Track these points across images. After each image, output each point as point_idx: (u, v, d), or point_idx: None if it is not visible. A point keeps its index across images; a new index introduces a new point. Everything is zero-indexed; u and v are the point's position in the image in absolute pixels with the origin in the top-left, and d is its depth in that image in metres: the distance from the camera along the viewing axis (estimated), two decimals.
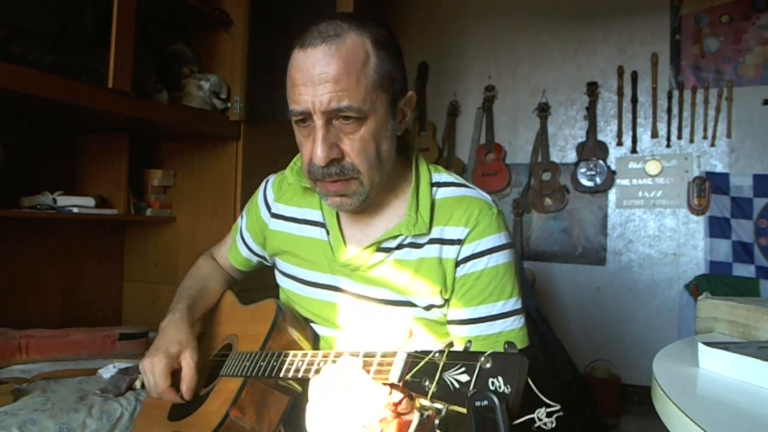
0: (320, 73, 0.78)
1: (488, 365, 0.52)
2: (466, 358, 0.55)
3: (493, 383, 0.51)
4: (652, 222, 3.09)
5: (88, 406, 1.24)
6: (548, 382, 2.26)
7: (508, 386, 0.50)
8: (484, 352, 0.53)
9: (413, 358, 0.60)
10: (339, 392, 0.62)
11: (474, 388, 0.52)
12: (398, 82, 0.86)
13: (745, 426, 0.63)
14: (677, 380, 0.78)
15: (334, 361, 0.70)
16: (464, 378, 0.53)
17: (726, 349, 0.81)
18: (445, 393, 0.54)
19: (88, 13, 1.50)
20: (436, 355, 0.57)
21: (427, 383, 0.56)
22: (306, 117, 0.81)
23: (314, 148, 0.80)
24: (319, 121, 0.80)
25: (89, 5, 1.51)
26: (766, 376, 0.73)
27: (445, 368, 0.55)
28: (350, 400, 0.61)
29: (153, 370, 0.91)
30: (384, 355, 0.64)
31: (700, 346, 0.83)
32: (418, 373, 0.58)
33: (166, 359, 0.91)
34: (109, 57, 1.48)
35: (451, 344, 0.61)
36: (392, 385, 0.61)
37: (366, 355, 0.66)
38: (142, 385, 1.36)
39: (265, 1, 2.06)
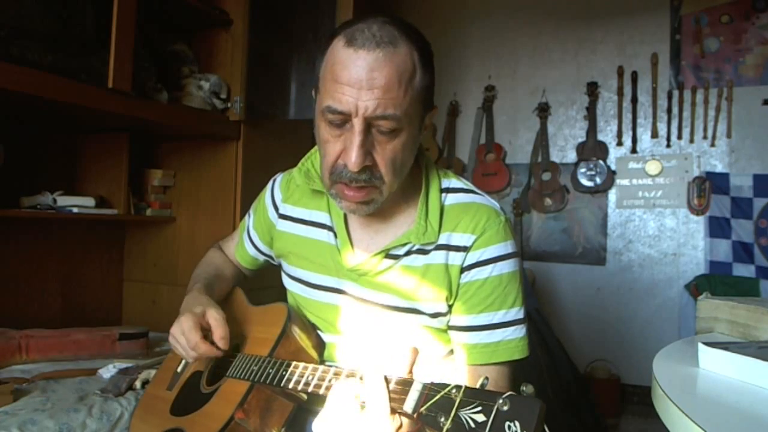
0: (372, 78, 0.76)
1: (506, 407, 0.51)
2: (483, 397, 0.54)
3: (509, 427, 0.50)
4: (652, 222, 3.09)
5: (88, 406, 1.24)
6: (548, 383, 2.26)
7: None
8: (502, 393, 0.53)
9: (429, 390, 0.59)
10: (360, 412, 0.62)
11: (490, 430, 0.51)
12: (431, 96, 0.86)
13: (745, 426, 0.63)
14: (677, 380, 0.78)
15: (352, 375, 0.70)
16: (480, 418, 0.53)
17: (726, 349, 0.81)
18: (459, 431, 0.54)
19: (88, 13, 1.50)
20: (453, 390, 0.56)
21: (442, 419, 0.55)
22: (343, 119, 0.79)
23: (349, 153, 0.78)
24: (359, 126, 0.78)
25: (89, 5, 1.50)
26: (766, 376, 0.73)
27: (461, 405, 0.55)
28: (367, 423, 0.61)
29: (182, 329, 0.90)
30: (399, 383, 0.63)
31: (700, 346, 0.83)
32: (433, 407, 0.57)
33: (192, 317, 0.90)
34: (109, 57, 1.48)
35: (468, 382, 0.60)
36: (406, 416, 0.60)
37: None
38: (142, 385, 1.36)
39: (265, 1, 2.06)
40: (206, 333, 0.91)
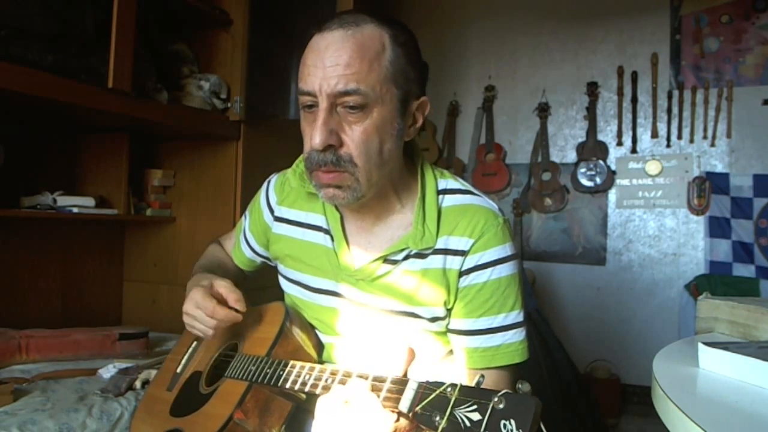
0: (332, 56, 0.78)
1: (501, 406, 0.51)
2: (478, 395, 0.54)
3: (505, 426, 0.50)
4: (652, 222, 3.09)
5: (88, 406, 1.24)
6: (548, 383, 2.26)
7: (521, 431, 0.49)
8: (498, 391, 0.52)
9: (424, 389, 0.59)
10: (347, 415, 0.61)
11: (486, 428, 0.51)
12: (413, 83, 0.84)
13: (745, 426, 0.63)
14: (677, 380, 0.78)
15: (342, 381, 0.69)
16: (476, 416, 0.52)
17: (726, 349, 0.81)
18: (455, 430, 0.53)
19: (88, 13, 1.50)
20: (448, 389, 0.56)
21: (437, 418, 0.55)
22: (312, 102, 0.80)
23: (313, 132, 0.79)
24: (323, 104, 0.78)
25: (89, 5, 1.50)
26: (766, 376, 0.73)
27: (457, 404, 0.54)
28: (358, 425, 0.60)
29: (195, 302, 0.88)
30: (394, 382, 0.63)
31: (700, 346, 0.83)
32: (428, 406, 0.57)
33: (201, 289, 0.89)
34: (109, 57, 1.48)
35: (464, 380, 0.60)
36: (401, 414, 0.60)
37: (375, 379, 0.65)
38: (142, 385, 1.36)
39: (265, 1, 2.06)
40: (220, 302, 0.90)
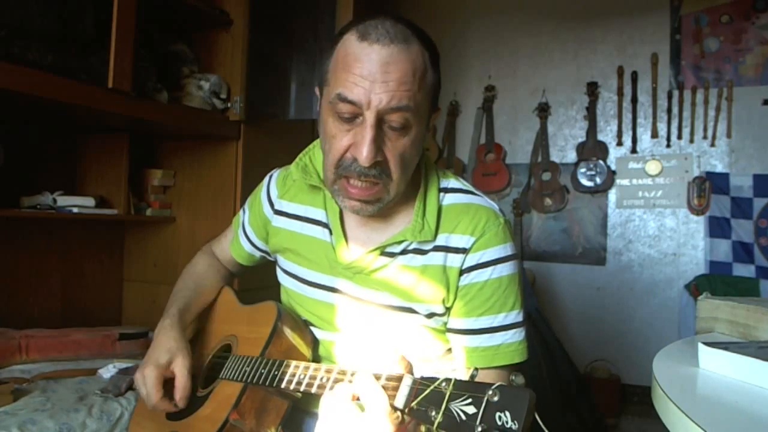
0: (386, 72, 0.76)
1: (496, 398, 0.51)
2: (473, 389, 0.54)
3: (500, 417, 0.50)
4: (652, 222, 3.09)
5: (88, 406, 1.24)
6: (548, 383, 2.26)
7: (516, 422, 0.49)
8: (492, 384, 0.52)
9: (419, 384, 0.59)
10: (355, 413, 0.61)
11: (481, 421, 0.51)
12: (437, 98, 0.88)
13: (745, 426, 0.63)
14: (677, 380, 0.78)
15: (338, 379, 0.69)
16: (471, 410, 0.52)
17: (726, 349, 0.81)
18: (450, 424, 0.53)
19: (88, 13, 1.50)
20: (443, 383, 0.56)
21: (433, 413, 0.55)
22: (353, 111, 0.78)
23: (361, 147, 0.78)
24: (371, 120, 0.77)
25: (89, 5, 1.50)
26: (766, 376, 0.73)
27: (452, 398, 0.54)
28: (368, 423, 0.60)
29: (145, 382, 0.90)
30: (389, 379, 0.63)
31: (700, 346, 0.83)
32: (424, 401, 0.57)
33: (156, 370, 0.90)
34: (109, 57, 1.48)
35: (458, 374, 0.60)
36: (398, 410, 0.60)
37: None
38: None
39: (265, 1, 2.06)
40: (170, 382, 0.91)
